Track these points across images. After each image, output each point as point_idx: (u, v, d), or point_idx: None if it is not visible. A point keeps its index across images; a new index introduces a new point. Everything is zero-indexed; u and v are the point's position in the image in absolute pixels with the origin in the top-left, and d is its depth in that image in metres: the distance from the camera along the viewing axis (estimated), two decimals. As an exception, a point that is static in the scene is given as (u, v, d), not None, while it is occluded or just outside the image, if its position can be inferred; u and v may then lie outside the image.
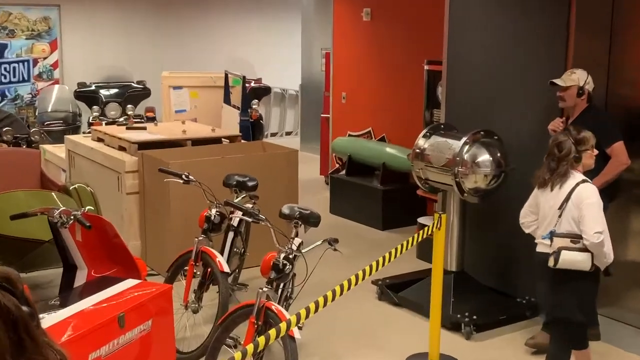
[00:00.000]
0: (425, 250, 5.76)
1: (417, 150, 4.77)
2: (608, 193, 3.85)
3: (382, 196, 7.04)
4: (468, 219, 4.82)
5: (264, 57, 12.96)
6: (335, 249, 3.38)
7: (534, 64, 4.54)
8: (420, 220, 6.18)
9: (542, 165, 3.46)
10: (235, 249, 4.60)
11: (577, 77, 4.00)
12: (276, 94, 13.32)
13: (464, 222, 4.78)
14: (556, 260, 3.21)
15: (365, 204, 7.24)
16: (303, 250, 3.41)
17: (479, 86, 5.02)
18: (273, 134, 13.38)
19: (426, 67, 6.41)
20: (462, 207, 4.76)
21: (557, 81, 4.07)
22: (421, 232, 3.68)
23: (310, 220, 3.65)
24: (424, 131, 4.84)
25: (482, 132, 4.57)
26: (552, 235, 3.29)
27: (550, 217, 3.37)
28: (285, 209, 3.71)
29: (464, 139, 4.50)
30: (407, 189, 7.17)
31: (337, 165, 8.45)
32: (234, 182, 4.57)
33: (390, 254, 3.31)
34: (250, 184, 4.61)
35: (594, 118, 3.93)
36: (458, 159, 4.45)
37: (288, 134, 13.65)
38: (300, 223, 3.61)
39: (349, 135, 8.26)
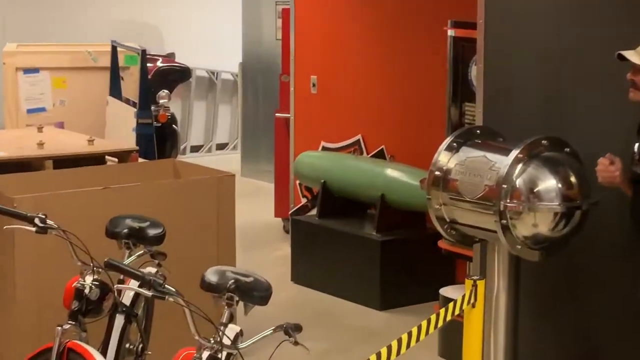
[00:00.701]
0: (452, 342, 5.78)
1: (437, 173, 4.81)
2: None
3: (381, 252, 7.08)
4: (523, 290, 4.83)
5: (179, 20, 13.03)
6: (296, 342, 3.39)
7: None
8: (444, 292, 6.21)
9: None
10: (127, 345, 4.55)
11: None
12: (200, 80, 13.36)
13: (516, 294, 4.79)
14: None
15: (351, 265, 7.25)
16: (242, 345, 3.40)
17: (541, 68, 5.07)
18: (195, 148, 13.40)
19: (451, 33, 6.48)
20: (514, 269, 4.77)
21: (627, 54, 4.11)
22: (443, 311, 3.70)
23: (254, 294, 3.67)
24: (449, 140, 4.88)
25: (544, 142, 4.61)
26: None
27: None
28: (212, 276, 3.71)
29: (514, 153, 4.53)
30: (421, 239, 7.19)
31: (304, 201, 8.46)
32: (125, 231, 4.53)
33: (391, 347, 3.33)
34: (151, 233, 4.58)
35: None
36: (505, 186, 4.48)
37: (221, 147, 13.72)
38: (236, 299, 3.62)
39: (323, 148, 8.30)
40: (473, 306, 3.82)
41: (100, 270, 4.12)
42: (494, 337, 4.71)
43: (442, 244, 6.23)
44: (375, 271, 7.08)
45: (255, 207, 9.63)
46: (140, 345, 4.62)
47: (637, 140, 4.19)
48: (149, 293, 3.39)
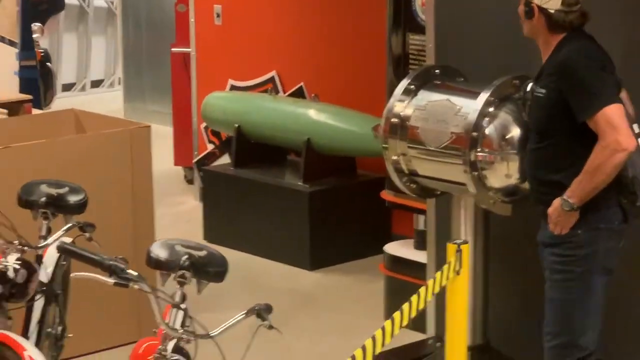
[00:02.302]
0: (399, 307, 5.82)
1: (394, 120, 4.81)
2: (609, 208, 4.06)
3: (309, 204, 7.10)
4: (492, 250, 4.90)
5: None
6: (270, 326, 3.44)
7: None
8: (390, 249, 6.25)
9: None
10: (48, 329, 4.56)
11: None
12: (70, 9, 13.10)
13: (485, 251, 4.86)
14: None
15: (275, 220, 7.27)
16: (214, 332, 3.40)
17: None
18: (67, 87, 13.16)
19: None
20: (482, 224, 4.83)
21: None
22: (431, 282, 3.72)
23: (209, 269, 3.66)
24: (405, 82, 4.87)
25: (515, 82, 4.63)
26: None
27: None
28: (160, 251, 3.66)
29: (484, 97, 4.55)
30: (352, 188, 7.24)
31: (211, 147, 8.37)
32: (43, 199, 4.49)
33: (384, 329, 3.32)
34: (72, 200, 4.58)
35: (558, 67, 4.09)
36: (475, 134, 4.51)
37: (96, 84, 13.52)
38: (188, 276, 3.58)
39: (232, 87, 8.24)
40: (458, 273, 3.82)
41: (26, 249, 4.07)
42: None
43: (385, 195, 6.24)
44: (303, 226, 7.11)
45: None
46: (60, 327, 4.64)
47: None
48: (110, 280, 3.31)
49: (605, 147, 3.85)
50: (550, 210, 4.03)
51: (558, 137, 4.07)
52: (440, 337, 5.33)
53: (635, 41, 4.66)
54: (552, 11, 4.09)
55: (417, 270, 5.78)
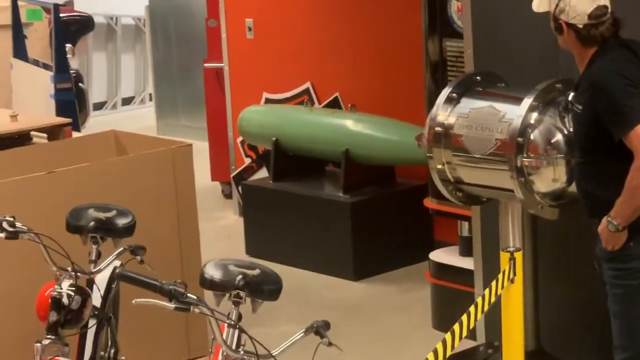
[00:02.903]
0: (447, 315, 5.85)
1: (438, 129, 4.82)
2: None
3: (351, 214, 7.11)
4: (542, 254, 4.91)
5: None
6: (330, 343, 3.45)
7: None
8: (435, 256, 6.25)
9: None
10: (101, 352, 4.54)
11: None
12: (98, 28, 13.07)
13: (535, 256, 4.86)
14: None
15: (317, 232, 7.28)
16: (276, 351, 3.40)
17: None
18: (98, 105, 13.25)
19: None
20: (531, 229, 4.83)
21: (534, 5, 4.30)
22: (487, 292, 3.73)
23: (264, 288, 3.67)
24: (446, 91, 4.88)
25: (558, 86, 4.63)
26: None
27: None
28: (214, 271, 3.66)
29: (527, 102, 4.55)
30: (393, 197, 7.24)
31: (248, 161, 8.39)
32: (92, 224, 4.50)
33: (445, 341, 3.34)
34: (120, 223, 4.58)
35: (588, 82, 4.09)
36: (521, 139, 4.51)
37: (127, 102, 13.61)
38: (243, 296, 3.60)
39: (267, 100, 8.27)
40: (512, 281, 3.82)
41: (79, 275, 4.08)
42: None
43: (429, 203, 6.24)
44: (346, 237, 7.11)
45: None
46: (113, 350, 4.61)
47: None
48: (171, 305, 3.33)
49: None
50: (600, 229, 4.02)
51: (599, 153, 4.05)
52: (491, 343, 5.35)
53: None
54: (580, 26, 4.07)
55: (464, 276, 5.78)
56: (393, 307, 6.65)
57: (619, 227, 3.91)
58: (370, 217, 7.17)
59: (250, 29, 8.28)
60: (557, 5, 4.10)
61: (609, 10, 4.09)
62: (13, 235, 4.02)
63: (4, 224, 4.01)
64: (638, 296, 4.00)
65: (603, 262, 4.12)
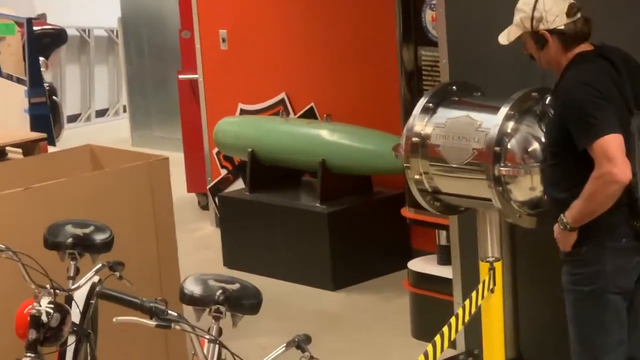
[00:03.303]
0: (426, 324, 5.88)
1: (415, 139, 4.83)
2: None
3: (328, 224, 7.11)
4: (520, 262, 4.93)
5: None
6: (312, 357, 3.45)
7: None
8: (414, 265, 6.25)
9: None
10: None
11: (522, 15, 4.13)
12: (70, 41, 13.06)
13: (513, 264, 4.89)
14: None
15: (294, 243, 7.28)
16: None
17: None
18: (72, 118, 13.22)
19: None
20: (509, 238, 4.86)
21: (500, 37, 4.35)
22: (467, 303, 3.74)
23: (244, 302, 3.67)
24: (423, 101, 4.89)
25: (534, 94, 4.66)
26: None
27: None
28: (193, 286, 3.66)
29: (504, 111, 4.57)
30: (369, 206, 7.26)
31: (224, 172, 8.39)
32: (70, 240, 4.46)
33: (427, 354, 3.34)
34: (98, 239, 4.55)
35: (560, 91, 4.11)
36: (498, 148, 4.53)
37: (101, 114, 13.60)
38: (223, 311, 3.60)
39: (242, 111, 8.27)
40: (492, 291, 3.83)
41: (58, 292, 4.04)
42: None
43: (406, 212, 6.26)
44: (323, 247, 7.12)
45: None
46: None
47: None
48: (152, 323, 3.32)
49: (599, 178, 3.82)
50: (554, 227, 4.06)
51: (566, 158, 4.05)
52: (471, 351, 5.36)
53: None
54: (563, 27, 4.07)
55: (443, 285, 5.78)
56: (372, 317, 6.66)
57: (567, 225, 3.94)
58: (348, 226, 7.18)
59: (224, 40, 8.29)
60: (532, 18, 4.10)
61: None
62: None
63: (-4, 245, 4.01)
64: (590, 302, 4.01)
65: (561, 266, 4.14)
